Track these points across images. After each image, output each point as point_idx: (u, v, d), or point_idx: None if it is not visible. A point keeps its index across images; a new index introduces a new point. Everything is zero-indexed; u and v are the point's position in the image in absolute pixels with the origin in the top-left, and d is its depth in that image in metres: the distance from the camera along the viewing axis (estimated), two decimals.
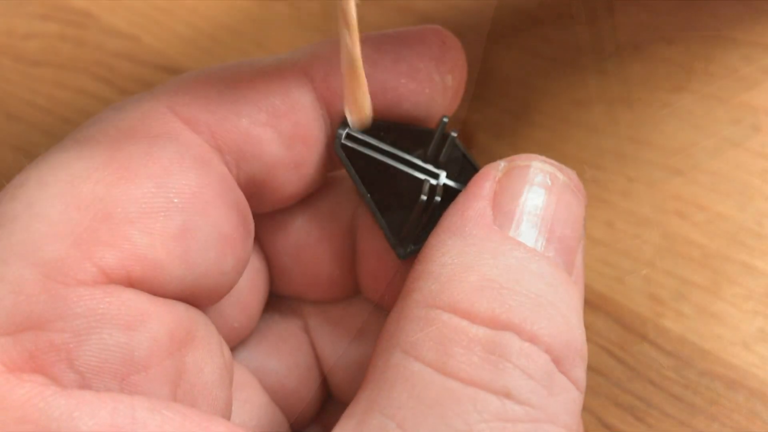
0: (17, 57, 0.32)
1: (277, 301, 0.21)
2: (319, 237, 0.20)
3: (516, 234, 0.16)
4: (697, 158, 0.25)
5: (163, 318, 0.15)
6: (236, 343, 0.20)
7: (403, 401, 0.14)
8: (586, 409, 0.22)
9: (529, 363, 0.14)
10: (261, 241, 0.20)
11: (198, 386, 0.16)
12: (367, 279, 0.20)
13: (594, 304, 0.23)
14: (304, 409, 0.20)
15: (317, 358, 0.21)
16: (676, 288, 0.23)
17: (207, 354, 0.16)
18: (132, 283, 0.15)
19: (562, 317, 0.15)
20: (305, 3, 0.31)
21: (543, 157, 0.17)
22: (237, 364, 0.20)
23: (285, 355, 0.20)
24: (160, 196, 0.15)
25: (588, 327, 0.23)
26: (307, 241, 0.20)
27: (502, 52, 0.28)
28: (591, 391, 0.22)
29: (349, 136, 0.18)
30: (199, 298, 0.17)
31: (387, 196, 0.18)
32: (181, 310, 0.16)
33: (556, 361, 0.15)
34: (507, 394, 0.14)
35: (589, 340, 0.22)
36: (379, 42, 0.18)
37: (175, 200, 0.15)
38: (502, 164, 0.17)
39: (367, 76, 0.17)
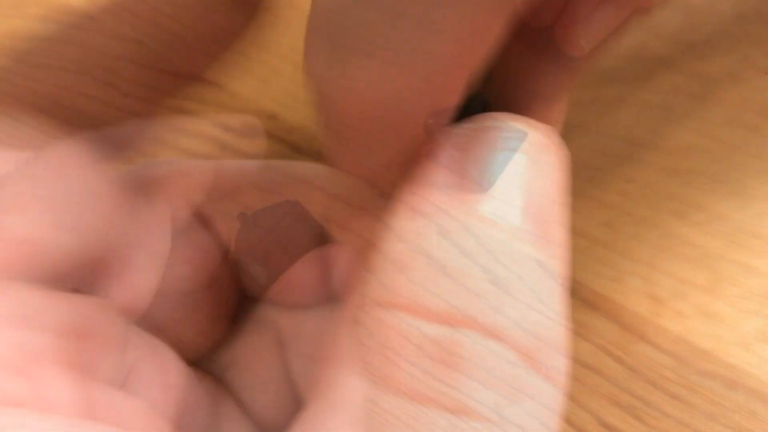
0: (19, 59, 0.32)
1: (253, 307, 0.20)
2: (289, 239, 0.19)
3: (485, 209, 0.13)
4: (695, 159, 0.25)
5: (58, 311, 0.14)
6: (208, 350, 0.19)
7: (346, 427, 0.12)
8: (585, 409, 0.22)
9: (491, 367, 0.12)
10: (230, 243, 0.19)
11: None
12: (341, 283, 0.19)
13: (593, 304, 0.23)
14: (277, 424, 0.19)
15: (288, 372, 0.20)
16: (675, 288, 0.23)
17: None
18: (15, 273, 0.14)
19: (534, 306, 0.13)
20: (305, 5, 0.31)
21: (515, 115, 0.14)
22: (210, 375, 0.19)
23: (257, 370, 0.20)
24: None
25: (587, 327, 0.23)
26: (275, 244, 0.19)
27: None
28: (590, 391, 0.22)
29: None
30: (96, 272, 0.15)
31: None
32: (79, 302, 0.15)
33: (527, 359, 0.13)
34: (464, 411, 0.12)
35: (587, 339, 0.23)
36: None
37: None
38: (465, 126, 0.14)
39: None
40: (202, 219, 0.20)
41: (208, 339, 0.20)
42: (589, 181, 0.26)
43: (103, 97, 0.30)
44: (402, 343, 0.13)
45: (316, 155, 0.28)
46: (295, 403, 0.20)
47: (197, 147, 0.28)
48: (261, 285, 0.23)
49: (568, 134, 0.27)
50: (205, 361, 0.20)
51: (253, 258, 0.22)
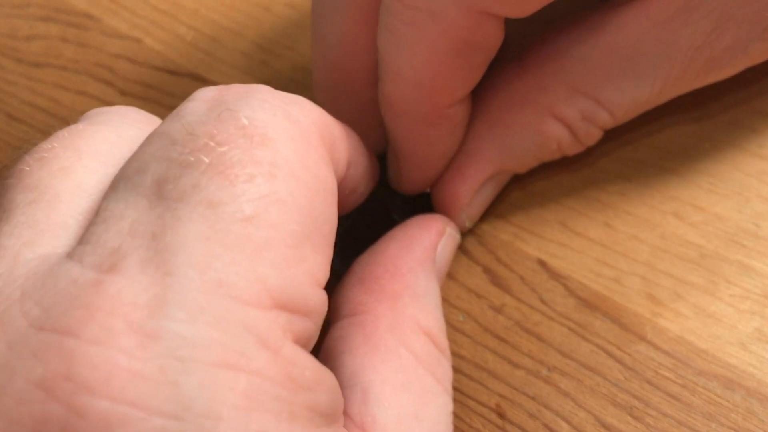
0: (19, 58, 0.32)
1: None
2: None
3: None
4: (695, 159, 0.25)
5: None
6: None
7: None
8: (584, 409, 0.22)
9: None
10: None
11: None
12: None
13: (592, 304, 0.23)
14: None
15: None
16: (674, 288, 0.23)
17: None
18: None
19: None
20: (305, 4, 0.31)
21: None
22: None
23: None
24: None
25: (586, 327, 0.23)
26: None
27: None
28: (589, 391, 0.22)
29: None
30: None
31: None
32: None
33: None
34: None
35: (587, 339, 0.23)
36: None
37: None
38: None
39: None
40: None
41: None
42: (589, 181, 0.26)
43: (102, 96, 0.30)
44: None
45: None
46: None
47: None
48: (333, 272, 0.23)
49: None
50: None
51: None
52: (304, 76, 0.29)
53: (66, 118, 0.30)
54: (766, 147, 0.25)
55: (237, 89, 0.16)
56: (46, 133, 0.30)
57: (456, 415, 0.22)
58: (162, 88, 0.30)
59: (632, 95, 0.22)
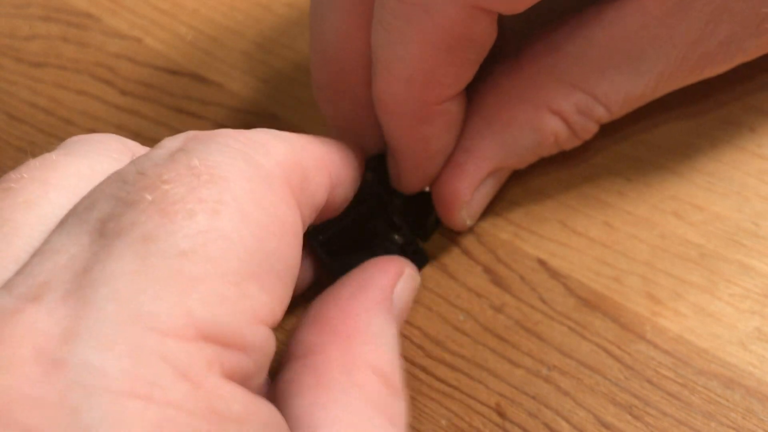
0: (19, 58, 0.32)
1: None
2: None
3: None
4: (695, 159, 0.25)
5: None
6: None
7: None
8: (584, 408, 0.22)
9: None
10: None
11: None
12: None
13: (592, 304, 0.23)
14: None
15: None
16: (674, 288, 0.23)
17: None
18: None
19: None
20: (305, 3, 0.31)
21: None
22: None
23: None
24: None
25: (586, 326, 0.23)
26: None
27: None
28: (589, 390, 0.22)
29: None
30: None
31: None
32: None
33: None
34: None
35: (586, 338, 0.23)
36: None
37: None
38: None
39: None
40: None
41: None
42: (589, 179, 0.26)
43: (102, 96, 0.30)
44: None
45: None
46: None
47: None
48: (327, 270, 0.24)
49: None
50: None
51: (326, 246, 0.23)
52: (305, 75, 0.29)
53: (66, 117, 0.30)
54: (765, 146, 0.25)
55: (203, 135, 0.16)
56: (46, 132, 0.30)
57: (456, 414, 0.22)
58: (162, 88, 0.30)
59: (627, 90, 0.22)
